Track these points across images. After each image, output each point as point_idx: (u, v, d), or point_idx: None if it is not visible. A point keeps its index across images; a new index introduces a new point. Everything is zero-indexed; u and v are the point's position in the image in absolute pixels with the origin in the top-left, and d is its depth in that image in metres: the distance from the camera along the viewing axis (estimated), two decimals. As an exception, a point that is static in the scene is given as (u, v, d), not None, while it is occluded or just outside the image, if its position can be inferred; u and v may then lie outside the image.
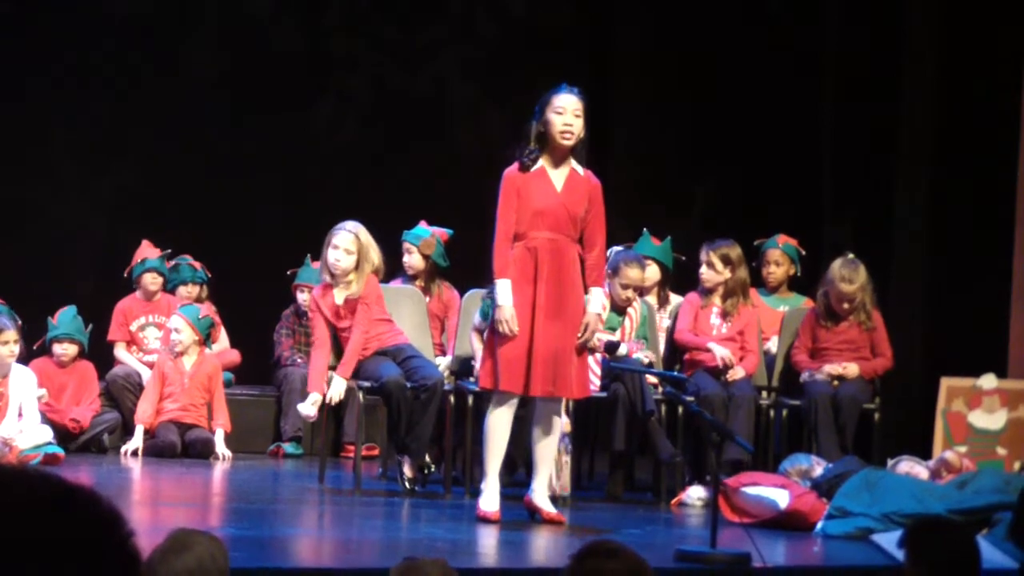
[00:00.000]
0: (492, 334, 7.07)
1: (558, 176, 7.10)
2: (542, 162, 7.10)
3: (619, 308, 8.48)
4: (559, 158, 7.11)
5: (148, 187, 10.86)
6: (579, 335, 7.03)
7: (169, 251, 10.12)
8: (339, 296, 8.19)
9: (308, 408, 8.08)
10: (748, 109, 11.00)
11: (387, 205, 10.34)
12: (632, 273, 8.46)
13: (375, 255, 8.23)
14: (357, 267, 8.17)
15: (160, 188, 10.85)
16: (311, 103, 11.35)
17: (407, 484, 7.87)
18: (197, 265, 10.23)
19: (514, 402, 7.09)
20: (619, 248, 8.64)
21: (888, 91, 10.33)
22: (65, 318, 9.48)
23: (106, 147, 10.93)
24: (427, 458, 7.95)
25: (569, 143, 7.06)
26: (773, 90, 10.94)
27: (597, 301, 7.14)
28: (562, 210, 7.05)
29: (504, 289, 7.01)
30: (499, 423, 7.09)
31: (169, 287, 10.18)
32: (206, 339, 9.74)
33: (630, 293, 8.46)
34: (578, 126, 7.06)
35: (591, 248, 7.13)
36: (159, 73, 10.96)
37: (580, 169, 7.13)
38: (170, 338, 9.59)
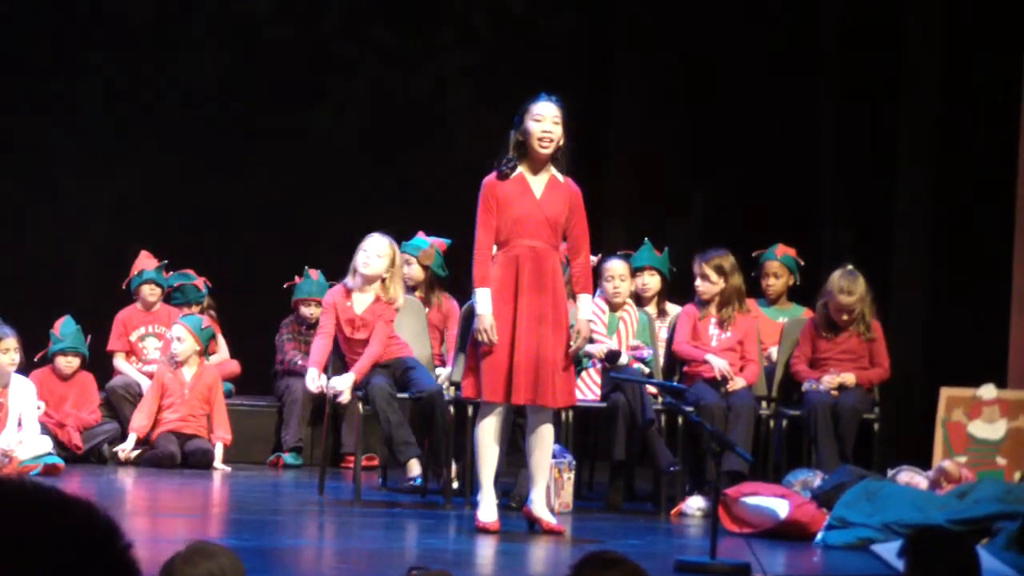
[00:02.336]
0: (473, 344, 7.07)
1: (537, 183, 7.09)
2: (521, 170, 7.09)
3: (614, 306, 8.46)
4: (538, 166, 7.09)
5: (147, 192, 10.86)
6: (571, 343, 7.02)
7: (166, 262, 10.10)
8: (359, 305, 8.16)
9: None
10: (748, 110, 10.98)
11: (386, 209, 10.35)
12: (613, 265, 8.45)
13: (400, 281, 8.22)
14: (385, 278, 8.14)
15: (159, 193, 10.84)
16: (310, 107, 11.34)
17: (414, 484, 7.87)
18: (199, 283, 10.19)
19: (501, 411, 7.08)
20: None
21: (888, 91, 10.32)
22: (68, 330, 9.47)
23: (105, 151, 10.92)
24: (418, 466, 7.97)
25: (547, 150, 7.05)
26: (773, 91, 10.93)
27: (587, 308, 7.14)
28: (542, 217, 7.03)
29: (484, 298, 6.99)
30: (487, 434, 7.07)
31: (172, 302, 10.17)
32: (205, 351, 9.74)
33: (616, 283, 8.41)
34: (557, 133, 7.05)
35: (576, 255, 7.12)
36: (158, 76, 10.97)
37: (560, 176, 7.12)
38: (170, 347, 9.58)
